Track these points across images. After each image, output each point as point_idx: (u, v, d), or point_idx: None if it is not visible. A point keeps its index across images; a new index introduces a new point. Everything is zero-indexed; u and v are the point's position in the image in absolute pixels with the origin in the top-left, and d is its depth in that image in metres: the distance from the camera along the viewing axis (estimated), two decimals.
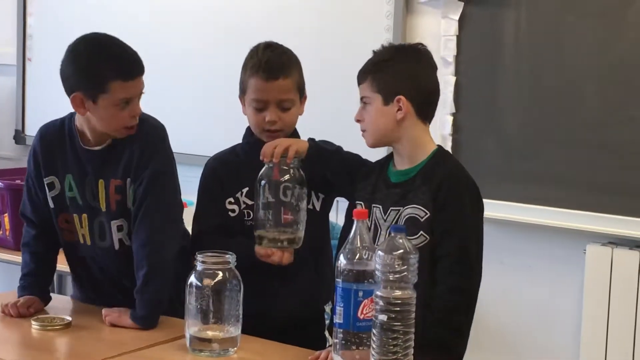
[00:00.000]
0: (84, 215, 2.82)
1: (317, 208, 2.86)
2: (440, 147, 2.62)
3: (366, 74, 2.58)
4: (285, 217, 2.68)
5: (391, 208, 2.53)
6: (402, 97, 2.52)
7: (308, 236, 2.75)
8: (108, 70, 2.64)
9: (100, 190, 2.78)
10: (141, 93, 2.72)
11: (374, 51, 2.62)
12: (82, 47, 2.69)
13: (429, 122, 2.60)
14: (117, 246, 2.80)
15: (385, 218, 2.53)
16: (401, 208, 2.51)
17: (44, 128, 2.87)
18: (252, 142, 2.85)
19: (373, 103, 2.56)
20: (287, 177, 2.68)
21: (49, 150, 2.82)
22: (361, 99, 2.60)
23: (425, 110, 2.58)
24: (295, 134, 2.87)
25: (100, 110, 2.67)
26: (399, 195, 2.54)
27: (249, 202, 2.80)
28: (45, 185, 2.82)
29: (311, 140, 2.78)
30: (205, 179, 2.90)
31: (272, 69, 2.76)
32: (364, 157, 2.77)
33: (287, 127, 2.81)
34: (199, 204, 2.90)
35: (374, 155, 2.73)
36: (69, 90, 2.70)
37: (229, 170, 2.87)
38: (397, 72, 2.55)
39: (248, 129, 2.90)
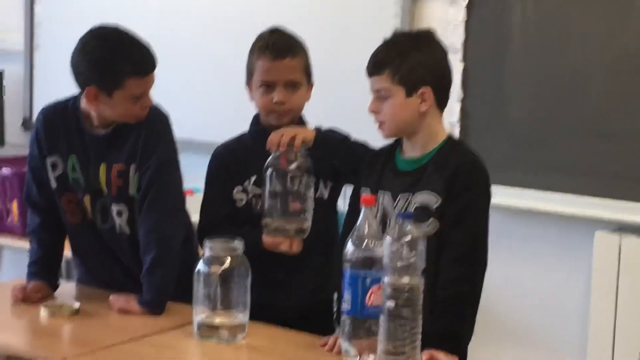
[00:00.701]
0: (87, 197, 2.83)
1: (326, 197, 2.86)
2: (451, 136, 2.60)
3: (383, 66, 2.50)
4: (293, 205, 2.68)
5: (400, 194, 2.51)
6: (427, 89, 2.49)
7: (317, 225, 2.75)
8: (125, 67, 2.66)
9: (102, 174, 2.79)
10: (152, 85, 2.75)
11: (385, 40, 2.56)
12: (95, 43, 2.70)
13: (443, 110, 2.58)
14: (118, 229, 2.82)
15: (395, 205, 2.51)
16: (411, 195, 2.49)
17: (46, 109, 2.88)
18: (259, 130, 2.84)
19: (394, 96, 2.49)
20: (294, 165, 2.67)
21: (51, 131, 2.83)
22: (376, 90, 2.53)
23: (444, 98, 2.55)
24: (302, 121, 2.87)
25: (113, 102, 2.70)
26: (408, 183, 2.51)
27: (257, 191, 2.79)
28: (49, 165, 2.83)
29: (317, 129, 2.77)
30: (213, 169, 2.90)
31: (280, 49, 2.76)
32: (371, 145, 2.76)
33: (295, 108, 2.81)
34: (207, 194, 2.90)
35: (381, 143, 2.72)
36: (81, 84, 2.71)
37: (236, 159, 2.87)
38: (419, 63, 2.48)
39: (255, 117, 2.89)
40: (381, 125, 2.56)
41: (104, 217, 2.83)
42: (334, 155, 2.75)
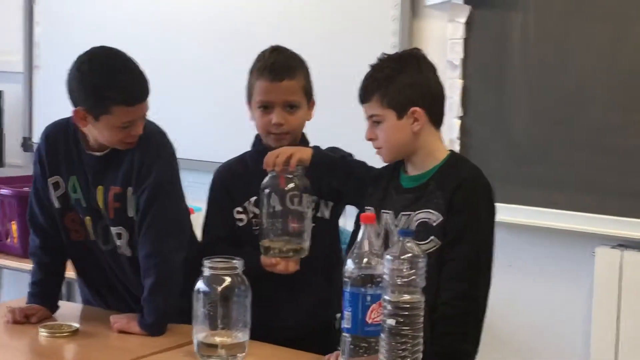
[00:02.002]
0: (88, 218, 2.82)
1: (327, 216, 2.85)
2: (453, 152, 2.61)
3: (371, 92, 2.52)
4: (290, 226, 2.66)
5: (402, 213, 2.51)
6: (416, 108, 2.49)
7: (318, 245, 2.74)
8: (112, 95, 2.64)
9: (99, 197, 2.78)
10: (145, 114, 2.72)
11: (371, 66, 2.57)
12: (89, 66, 2.68)
13: (440, 127, 2.58)
14: (119, 250, 2.81)
15: (397, 223, 2.51)
16: (412, 213, 2.48)
17: (49, 128, 2.88)
18: (260, 150, 2.83)
19: (386, 120, 2.51)
20: (290, 185, 2.66)
21: (53, 150, 2.83)
22: (370, 117, 2.55)
23: (438, 116, 2.56)
24: (304, 140, 2.86)
25: (100, 127, 2.68)
26: (410, 200, 2.51)
27: (257, 211, 2.78)
28: (50, 185, 2.83)
29: (315, 148, 2.76)
30: (213, 190, 2.90)
31: (278, 70, 2.75)
32: (370, 164, 2.75)
33: (294, 130, 2.80)
34: (207, 215, 2.90)
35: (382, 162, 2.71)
36: (73, 103, 2.71)
37: (237, 179, 2.86)
38: (406, 85, 2.50)
39: (257, 137, 2.89)
40: (379, 150, 2.58)
41: (105, 239, 2.83)
42: (332, 175, 2.75)
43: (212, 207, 2.89)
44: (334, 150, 2.87)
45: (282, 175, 2.66)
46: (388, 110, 2.50)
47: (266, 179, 2.68)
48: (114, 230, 2.79)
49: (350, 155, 2.86)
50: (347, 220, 3.51)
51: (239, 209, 2.84)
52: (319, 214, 2.82)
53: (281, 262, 2.67)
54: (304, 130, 2.88)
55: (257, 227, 2.77)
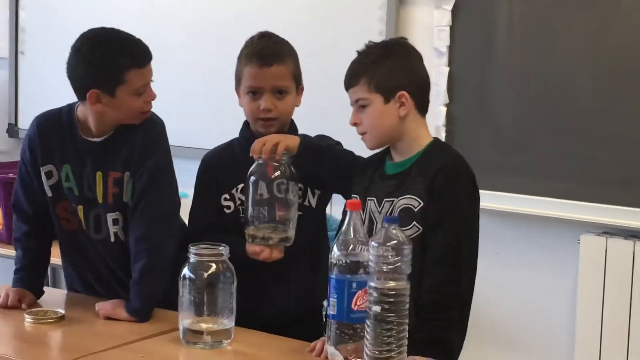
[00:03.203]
0: (80, 207, 2.82)
1: (313, 205, 2.85)
2: (436, 139, 2.61)
3: (358, 76, 2.53)
4: (276, 214, 2.66)
5: (385, 199, 2.52)
6: (404, 92, 2.50)
7: (304, 233, 2.74)
8: (123, 61, 2.67)
9: (98, 183, 2.78)
10: (151, 78, 2.75)
11: (358, 52, 2.58)
12: (89, 45, 2.69)
13: (425, 114, 2.59)
14: (112, 238, 2.81)
15: (380, 210, 2.52)
16: (395, 199, 2.49)
17: (40, 117, 2.87)
18: (248, 136, 2.83)
19: (372, 104, 2.51)
20: (277, 173, 2.66)
21: (46, 140, 2.82)
22: (355, 101, 2.55)
23: (423, 103, 2.56)
24: (293, 127, 2.86)
25: (118, 101, 2.69)
26: (393, 187, 2.52)
27: (244, 198, 2.79)
28: (43, 174, 2.82)
29: (303, 136, 2.76)
30: (201, 176, 2.90)
31: (266, 56, 2.75)
32: (361, 151, 2.74)
33: (283, 115, 2.80)
34: (194, 202, 2.89)
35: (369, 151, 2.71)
36: (82, 89, 2.70)
37: (224, 166, 2.86)
38: (393, 69, 2.51)
39: (245, 123, 2.88)
40: (364, 136, 2.57)
41: (97, 228, 2.82)
42: (318, 163, 2.74)
43: (200, 193, 2.89)
44: (322, 138, 2.86)
45: (269, 163, 2.66)
46: (375, 94, 2.51)
47: (253, 166, 2.67)
48: (110, 217, 2.79)
49: (338, 144, 2.86)
50: (333, 207, 3.52)
51: (226, 195, 2.84)
52: (305, 203, 2.82)
53: (265, 250, 2.67)
54: (293, 117, 2.87)
55: (243, 215, 2.77)
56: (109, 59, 2.67)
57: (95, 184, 2.78)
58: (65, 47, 2.74)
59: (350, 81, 2.56)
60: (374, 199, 2.55)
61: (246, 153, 2.73)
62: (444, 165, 2.47)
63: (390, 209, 2.49)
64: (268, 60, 2.75)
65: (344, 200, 2.67)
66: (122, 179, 2.76)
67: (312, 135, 2.86)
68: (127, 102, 2.69)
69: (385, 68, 2.51)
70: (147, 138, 2.75)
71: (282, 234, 2.67)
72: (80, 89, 2.71)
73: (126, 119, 2.74)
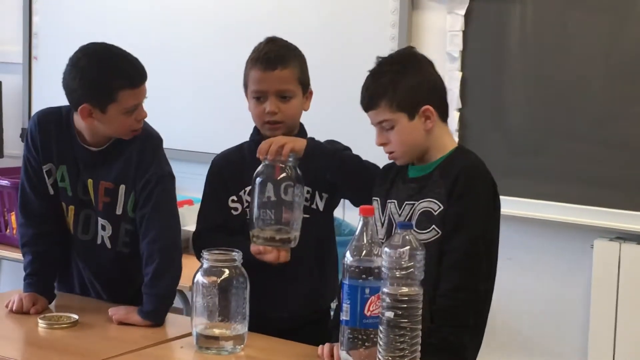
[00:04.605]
0: (71, 207, 2.85)
1: (321, 208, 2.85)
2: (461, 145, 2.61)
3: (378, 98, 2.50)
4: (280, 215, 2.66)
5: (406, 202, 2.51)
6: (427, 106, 2.48)
7: (311, 236, 2.75)
8: (117, 80, 2.68)
9: (90, 189, 2.81)
10: (145, 97, 2.76)
11: (370, 72, 2.55)
12: (86, 60, 2.72)
13: (447, 119, 2.58)
14: (99, 241, 2.84)
15: (400, 212, 2.51)
16: (416, 202, 2.48)
17: (41, 115, 2.89)
18: (257, 140, 2.83)
19: (398, 123, 2.49)
20: (283, 175, 2.66)
21: (46, 137, 2.85)
22: (379, 123, 2.52)
23: (444, 109, 2.56)
24: (302, 131, 2.87)
25: (108, 117, 2.71)
26: (414, 190, 2.51)
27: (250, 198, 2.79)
28: (44, 172, 2.84)
29: (310, 139, 2.76)
30: (209, 177, 2.91)
31: (270, 60, 2.76)
32: (372, 156, 2.75)
33: (288, 119, 2.80)
34: (203, 202, 2.91)
35: (381, 155, 2.71)
36: (75, 103, 2.73)
37: (233, 168, 2.87)
38: (412, 85, 2.49)
39: (255, 127, 2.89)
40: (392, 155, 2.56)
41: (86, 229, 2.85)
42: (325, 167, 2.74)
43: (208, 194, 2.90)
44: (331, 143, 2.86)
45: (275, 164, 2.66)
46: (399, 114, 2.49)
47: (259, 168, 2.68)
48: (100, 221, 2.83)
49: (347, 148, 2.86)
50: (345, 212, 3.52)
51: (234, 197, 2.85)
52: (313, 206, 2.82)
53: (272, 251, 2.66)
54: (304, 122, 2.88)
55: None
56: (103, 77, 2.69)
57: (87, 189, 2.81)
58: None
59: (370, 104, 2.53)
60: (395, 201, 2.54)
61: (255, 156, 2.74)
62: (465, 169, 2.46)
63: (410, 212, 2.48)
64: (271, 64, 2.76)
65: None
66: (115, 190, 2.79)
67: (322, 139, 2.85)
68: (117, 119, 2.71)
69: (404, 86, 2.48)
70: (144, 151, 2.78)
71: (284, 235, 2.67)
72: (73, 101, 2.74)
73: (116, 135, 2.77)
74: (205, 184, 2.91)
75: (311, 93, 2.86)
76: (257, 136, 2.85)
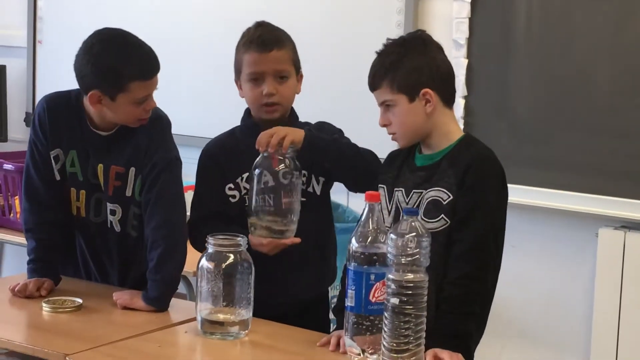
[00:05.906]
0: (82, 192, 2.84)
1: (318, 192, 2.86)
2: (468, 134, 2.60)
3: (381, 78, 2.52)
4: (279, 206, 2.67)
5: (414, 190, 2.50)
6: (427, 89, 2.49)
7: (311, 220, 2.76)
8: (129, 71, 2.67)
9: (99, 174, 2.80)
10: (155, 89, 2.76)
11: (377, 52, 2.56)
12: (100, 47, 2.70)
13: (452, 107, 2.57)
14: (109, 224, 2.84)
15: (407, 201, 2.51)
16: (424, 191, 2.48)
17: (50, 99, 2.87)
18: (250, 124, 2.85)
19: (398, 104, 2.50)
20: (282, 167, 2.67)
21: (55, 121, 2.84)
22: (381, 103, 2.54)
23: (449, 95, 2.55)
24: (293, 114, 2.87)
25: (117, 106, 2.71)
26: (422, 178, 2.51)
27: (249, 187, 2.78)
28: (52, 158, 2.84)
29: (307, 130, 2.76)
30: (203, 165, 2.90)
31: (265, 42, 2.77)
32: (374, 146, 2.76)
33: (285, 100, 2.81)
34: (197, 190, 2.90)
35: (382, 144, 2.70)
36: (85, 88, 2.72)
37: (227, 155, 2.86)
38: (414, 67, 2.49)
39: (246, 111, 2.89)
40: (394, 136, 2.57)
41: (97, 211, 2.85)
42: (324, 157, 2.75)
43: (202, 182, 2.89)
44: (321, 125, 2.87)
45: (274, 156, 2.66)
46: (399, 95, 2.49)
47: (258, 159, 2.68)
48: (109, 205, 2.82)
49: (340, 131, 2.87)
50: (349, 199, 3.52)
51: (231, 185, 2.84)
52: (309, 189, 2.83)
53: (271, 242, 2.67)
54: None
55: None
56: (115, 67, 2.67)
57: (97, 174, 2.80)
58: (83, 37, 2.75)
59: (374, 83, 2.55)
60: (402, 189, 2.53)
61: (249, 141, 2.74)
62: (475, 159, 2.45)
63: (418, 201, 2.48)
64: (268, 45, 2.77)
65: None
66: (126, 174, 2.78)
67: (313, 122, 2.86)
68: (126, 108, 2.71)
69: (406, 67, 2.49)
70: (154, 133, 2.78)
71: (283, 227, 2.68)
72: (83, 86, 2.73)
73: (122, 122, 2.77)
74: (198, 171, 2.90)
75: (301, 76, 2.87)
76: (249, 120, 2.86)
